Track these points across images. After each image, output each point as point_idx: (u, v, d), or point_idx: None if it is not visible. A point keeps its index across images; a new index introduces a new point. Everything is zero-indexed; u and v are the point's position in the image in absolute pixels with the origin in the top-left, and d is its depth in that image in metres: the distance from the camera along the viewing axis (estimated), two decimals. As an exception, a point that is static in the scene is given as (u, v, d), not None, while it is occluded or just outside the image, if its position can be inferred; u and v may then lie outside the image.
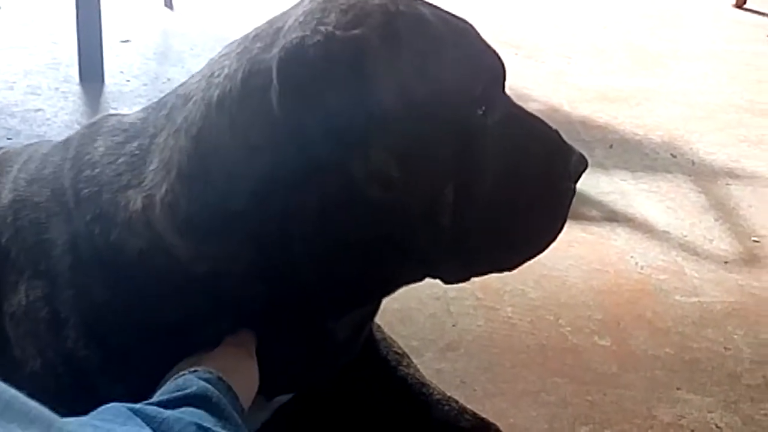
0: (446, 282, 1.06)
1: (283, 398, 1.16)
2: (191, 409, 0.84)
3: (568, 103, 2.72)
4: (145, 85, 2.61)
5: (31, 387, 0.98)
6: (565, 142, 1.06)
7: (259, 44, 0.95)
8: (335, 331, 1.10)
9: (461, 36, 0.99)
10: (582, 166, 1.06)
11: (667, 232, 2.02)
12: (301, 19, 0.94)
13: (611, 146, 2.46)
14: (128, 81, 2.63)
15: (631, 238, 1.98)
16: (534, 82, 2.87)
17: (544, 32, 3.45)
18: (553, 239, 1.07)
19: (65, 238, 1.02)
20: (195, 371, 0.91)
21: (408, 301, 1.66)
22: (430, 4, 1.01)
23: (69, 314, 1.01)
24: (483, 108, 0.97)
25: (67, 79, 2.60)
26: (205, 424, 0.81)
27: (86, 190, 1.02)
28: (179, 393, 0.86)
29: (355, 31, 0.92)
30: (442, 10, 1.01)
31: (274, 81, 0.90)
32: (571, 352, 1.58)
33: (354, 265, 0.98)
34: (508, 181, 1.00)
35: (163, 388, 0.90)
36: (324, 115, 0.90)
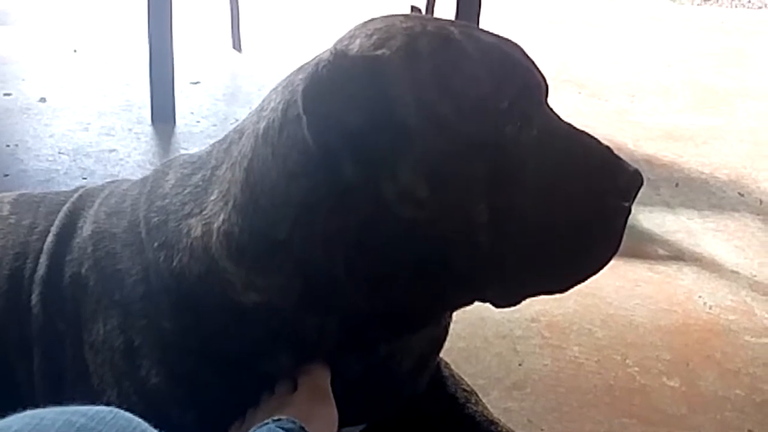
0: (496, 305, 1.03)
1: (353, 431, 1.18)
2: None
3: (632, 142, 2.72)
4: (215, 125, 2.67)
5: None
6: (617, 158, 1.00)
7: (300, 75, 0.98)
8: (395, 361, 1.11)
9: (489, 52, 0.97)
10: (636, 182, 1.00)
11: (736, 272, 2.00)
12: (331, 47, 0.97)
13: (677, 185, 2.44)
14: (198, 122, 2.70)
15: (699, 278, 1.96)
16: (597, 121, 2.87)
17: (608, 70, 3.45)
18: (606, 260, 1.02)
19: (138, 269, 1.06)
20: (278, 420, 0.93)
21: (474, 340, 1.66)
22: (467, 25, 1.01)
23: (142, 343, 1.04)
24: (516, 123, 0.95)
25: (139, 120, 2.67)
26: None
27: (155, 219, 1.07)
28: None
29: (376, 52, 0.94)
30: (480, 30, 1.01)
31: (299, 107, 0.93)
32: (639, 393, 1.57)
33: (398, 287, 0.98)
34: (551, 198, 0.96)
35: None
36: (347, 136, 0.91)
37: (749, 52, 3.87)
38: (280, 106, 0.98)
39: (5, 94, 2.81)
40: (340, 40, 1.00)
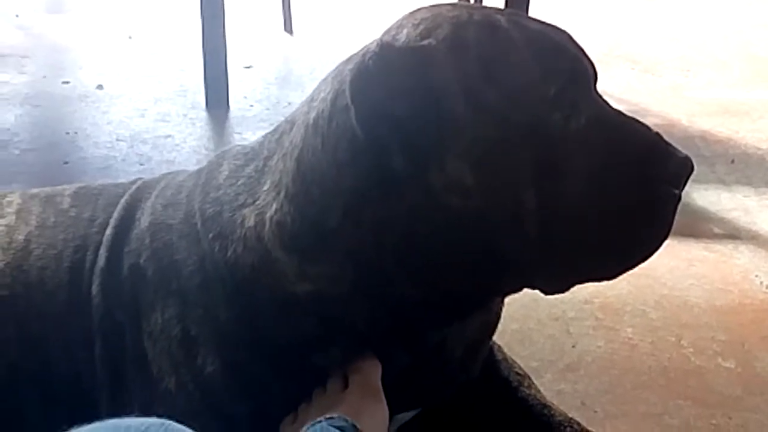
0: (545, 293, 1.03)
1: (406, 416, 1.19)
2: None
3: (686, 118, 2.68)
4: (268, 109, 2.70)
5: (166, 405, 1.07)
6: (666, 144, 1.00)
7: (349, 66, 0.99)
8: (446, 349, 1.12)
9: (535, 40, 0.97)
10: (686, 169, 0.99)
11: (793, 250, 1.97)
12: (378, 38, 0.98)
13: (733, 161, 2.41)
14: (251, 106, 2.73)
15: (755, 256, 1.94)
16: (651, 97, 2.84)
17: (662, 45, 3.40)
18: (655, 248, 1.01)
19: (194, 259, 1.08)
20: (330, 418, 0.95)
21: (527, 322, 1.67)
22: (515, 13, 1.01)
23: (198, 332, 1.07)
24: (564, 111, 0.95)
25: (194, 105, 2.71)
26: None
27: (210, 210, 1.09)
28: None
29: (423, 42, 0.95)
30: (528, 18, 1.01)
31: (347, 98, 0.94)
32: (694, 374, 1.56)
33: (447, 275, 0.99)
34: (599, 186, 0.96)
35: None
36: (395, 126, 0.93)
37: (808, 22, 3.79)
38: (329, 96, 1.00)
39: (64, 82, 2.86)
40: (388, 30, 1.01)
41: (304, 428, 0.94)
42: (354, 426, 0.94)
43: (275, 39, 3.38)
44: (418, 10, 1.02)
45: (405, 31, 0.98)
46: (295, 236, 1.01)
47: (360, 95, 0.93)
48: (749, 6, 3.94)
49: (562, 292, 1.03)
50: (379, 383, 1.05)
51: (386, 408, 1.04)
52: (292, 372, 1.06)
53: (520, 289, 1.05)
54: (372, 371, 1.05)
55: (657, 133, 1.01)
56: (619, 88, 2.87)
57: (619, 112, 1.01)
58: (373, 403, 1.03)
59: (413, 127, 0.93)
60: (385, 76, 0.92)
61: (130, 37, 3.32)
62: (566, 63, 0.97)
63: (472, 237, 0.96)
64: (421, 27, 0.97)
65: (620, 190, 0.97)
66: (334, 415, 0.96)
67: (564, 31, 1.02)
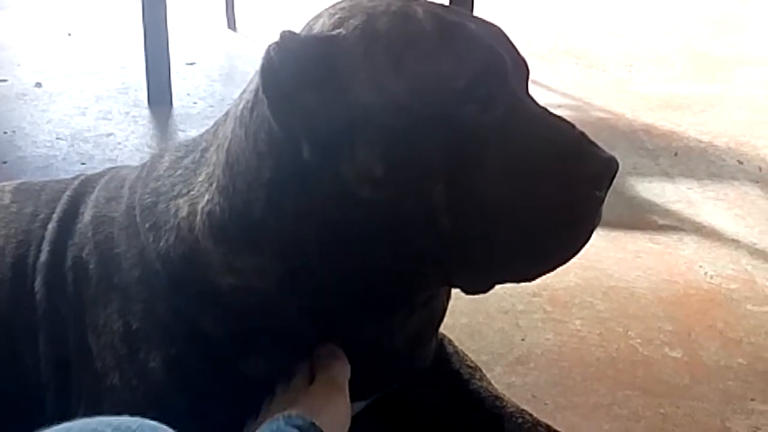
0: (466, 291, 1.01)
1: (356, 407, 1.18)
2: None
3: (631, 112, 2.71)
4: (212, 106, 2.67)
5: (112, 400, 1.05)
6: (591, 143, 0.96)
7: None
8: (386, 340, 1.11)
9: (449, 32, 0.94)
10: (609, 170, 0.95)
11: (736, 240, 2.00)
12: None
13: (676, 154, 2.44)
14: (195, 103, 2.70)
15: (700, 248, 1.97)
16: (596, 92, 2.86)
17: (605, 41, 3.44)
18: (576, 249, 0.98)
19: (133, 251, 1.07)
20: (289, 417, 0.93)
21: (476, 316, 1.67)
22: (442, 6, 0.99)
23: (139, 326, 1.05)
24: (476, 104, 0.92)
25: (136, 103, 2.67)
26: None
27: (148, 200, 1.08)
28: None
29: (332, 33, 0.94)
30: (457, 12, 0.99)
31: (260, 89, 0.94)
32: (642, 365, 1.57)
33: (368, 267, 0.98)
34: (515, 183, 0.93)
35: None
36: (304, 116, 0.92)
37: (746, 18, 3.85)
38: (253, 87, 1.00)
39: (1, 80, 2.80)
40: (309, 21, 1.01)
41: (263, 426, 0.92)
42: (313, 424, 0.92)
43: (218, 35, 3.34)
44: (341, 1, 1.01)
45: (321, 21, 0.98)
46: (223, 227, 1.01)
47: (270, 86, 0.92)
48: (689, 3, 4.00)
49: (483, 291, 1.01)
50: (346, 383, 1.04)
51: (349, 407, 1.03)
52: (228, 373, 1.04)
53: (441, 285, 1.06)
54: (340, 371, 1.04)
55: (581, 132, 0.97)
56: (564, 83, 2.89)
57: (545, 110, 0.98)
58: (336, 401, 1.01)
59: (322, 116, 0.92)
60: (291, 66, 0.91)
61: (69, 34, 3.26)
62: (480, 56, 0.95)
63: (386, 230, 0.94)
64: (336, 17, 0.97)
65: (537, 188, 0.93)
66: (293, 412, 0.94)
67: (495, 26, 1.00)
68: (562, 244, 0.98)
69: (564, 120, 0.98)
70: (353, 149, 0.92)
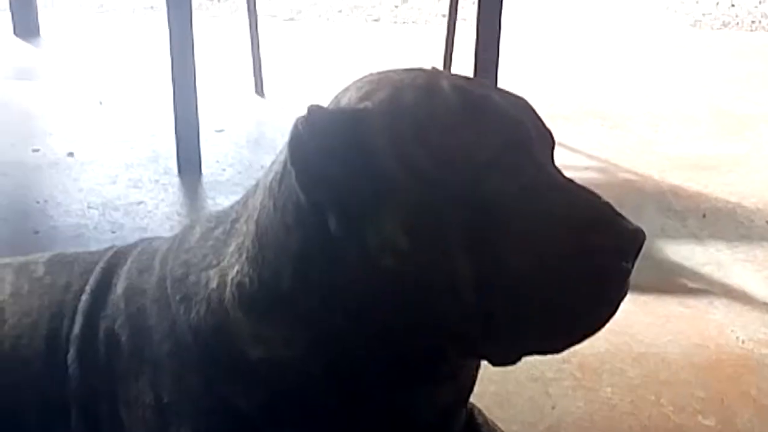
0: (493, 363, 1.02)
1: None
2: None
3: (657, 173, 2.70)
4: (240, 173, 2.69)
5: None
6: (617, 214, 0.96)
7: None
8: (416, 412, 1.10)
9: (474, 105, 0.96)
10: (636, 242, 0.95)
11: (767, 304, 1.98)
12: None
13: (704, 215, 2.43)
14: (224, 170, 2.72)
15: (731, 311, 1.95)
16: (621, 153, 2.86)
17: (629, 101, 3.44)
18: (604, 321, 0.98)
19: (165, 324, 1.08)
20: None
21: (506, 384, 1.66)
22: (472, 79, 1.02)
23: (170, 399, 1.06)
24: (499, 177, 0.93)
25: (166, 170, 2.70)
26: None
27: (179, 272, 1.10)
28: None
29: (358, 106, 0.96)
30: (481, 84, 1.01)
31: (288, 161, 0.96)
32: (675, 433, 1.55)
33: (393, 338, 0.99)
34: (539, 255, 0.93)
35: None
36: (330, 188, 0.94)
37: (771, 75, 3.85)
38: (282, 158, 1.02)
39: (33, 150, 2.85)
40: (337, 94, 1.03)
41: None
42: None
43: (247, 102, 3.38)
44: (369, 74, 1.03)
45: (348, 94, 1.01)
46: (252, 298, 1.02)
47: (297, 158, 0.94)
48: (714, 61, 4.01)
49: (510, 363, 1.01)
50: None
51: None
52: None
53: (469, 357, 1.05)
54: None
55: (607, 203, 0.97)
56: (589, 144, 2.89)
57: (570, 181, 0.99)
58: None
59: (348, 189, 0.94)
60: (316, 140, 0.93)
61: (100, 103, 3.31)
62: (504, 128, 0.96)
63: (410, 299, 0.95)
64: (363, 90, 0.99)
65: (563, 260, 0.94)
66: None
67: (520, 98, 1.02)
68: (590, 316, 0.98)
69: (589, 191, 0.98)
70: (379, 221, 0.93)
